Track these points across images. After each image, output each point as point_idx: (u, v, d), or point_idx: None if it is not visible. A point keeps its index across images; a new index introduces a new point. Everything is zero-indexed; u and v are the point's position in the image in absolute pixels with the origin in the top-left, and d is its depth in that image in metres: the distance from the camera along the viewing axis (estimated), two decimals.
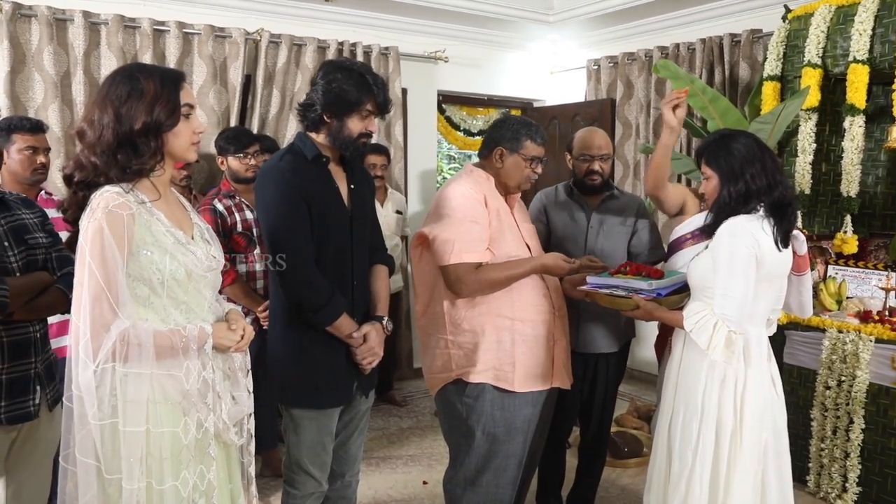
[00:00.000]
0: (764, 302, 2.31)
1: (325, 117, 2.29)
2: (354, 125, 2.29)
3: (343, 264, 2.37)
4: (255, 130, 4.48)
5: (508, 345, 2.54)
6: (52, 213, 2.95)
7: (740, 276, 2.19)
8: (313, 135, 2.34)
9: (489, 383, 2.53)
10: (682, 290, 2.48)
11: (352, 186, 2.42)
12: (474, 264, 2.47)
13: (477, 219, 2.49)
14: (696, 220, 2.82)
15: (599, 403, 3.19)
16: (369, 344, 2.37)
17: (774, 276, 2.29)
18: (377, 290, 2.52)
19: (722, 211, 2.29)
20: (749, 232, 2.20)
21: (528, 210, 2.96)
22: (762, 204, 2.25)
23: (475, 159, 2.84)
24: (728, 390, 2.26)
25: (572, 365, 2.98)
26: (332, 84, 2.26)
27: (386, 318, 2.48)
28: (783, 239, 2.25)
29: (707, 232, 2.35)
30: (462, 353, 2.55)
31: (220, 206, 3.49)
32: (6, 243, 2.13)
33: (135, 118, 1.68)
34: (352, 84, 2.26)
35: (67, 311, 1.96)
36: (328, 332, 2.31)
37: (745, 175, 2.25)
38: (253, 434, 1.98)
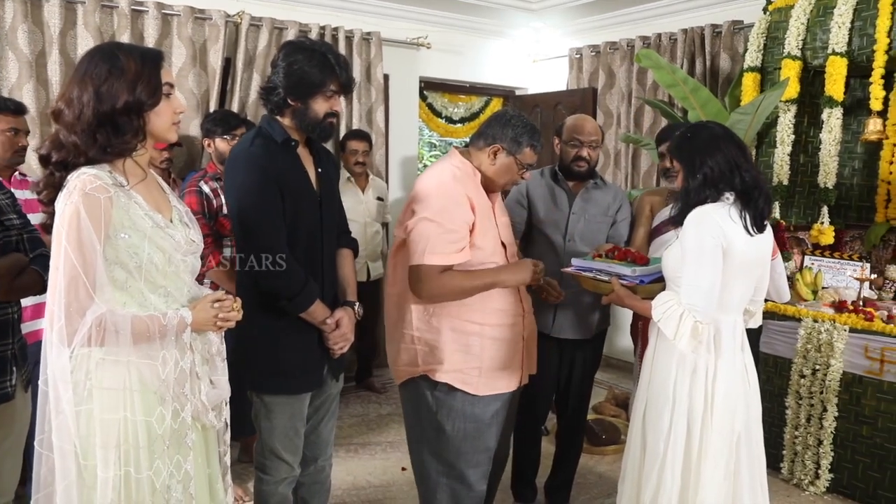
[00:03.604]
0: (739, 290, 2.30)
1: (288, 100, 2.26)
2: (319, 106, 2.26)
3: (314, 249, 2.35)
4: None
5: (477, 349, 2.45)
6: (27, 195, 2.92)
7: (707, 267, 2.17)
8: (279, 118, 2.30)
9: (454, 385, 2.45)
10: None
11: (319, 170, 2.40)
12: (439, 267, 2.33)
13: (453, 220, 2.35)
14: (666, 212, 2.98)
15: (576, 390, 3.21)
16: (342, 329, 2.36)
17: (749, 263, 2.27)
18: (346, 275, 2.51)
19: (685, 201, 2.29)
20: (714, 221, 2.18)
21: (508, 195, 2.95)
22: (731, 191, 2.24)
23: (455, 145, 2.80)
24: (698, 381, 2.26)
25: (547, 351, 3.02)
26: (293, 66, 2.22)
27: (357, 304, 2.48)
28: (754, 223, 2.23)
29: (675, 222, 2.34)
30: (428, 350, 2.45)
31: (206, 189, 3.45)
32: None
33: (116, 97, 1.65)
34: (314, 65, 2.22)
35: (43, 291, 1.93)
36: (299, 317, 2.30)
37: (704, 165, 2.24)
38: (229, 423, 1.97)
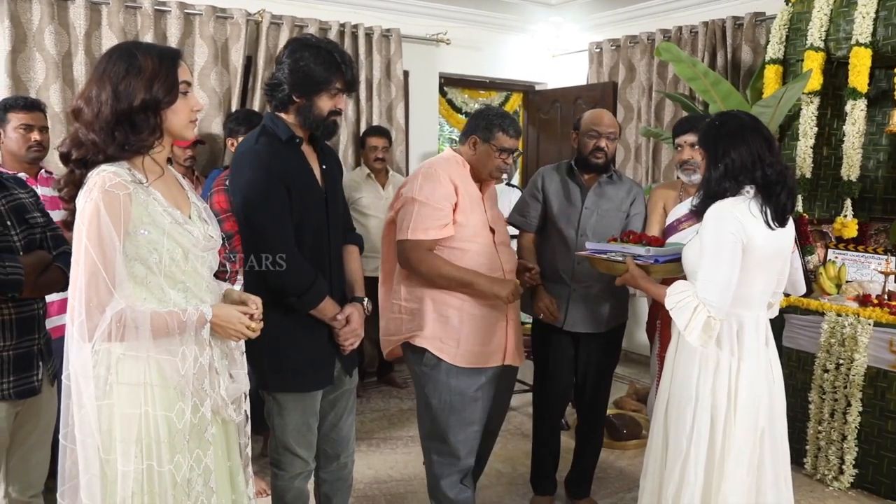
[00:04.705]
0: (760, 285, 2.27)
1: (293, 97, 2.26)
2: (324, 104, 2.27)
3: (320, 246, 2.36)
4: None
5: (456, 322, 2.62)
6: (51, 192, 2.97)
7: (724, 262, 2.15)
8: (283, 115, 2.31)
9: (432, 351, 2.62)
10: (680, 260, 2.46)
11: (323, 167, 2.41)
12: (425, 242, 2.57)
13: (436, 199, 2.57)
14: (683, 207, 2.98)
15: (593, 384, 3.22)
16: (352, 325, 2.38)
17: (769, 257, 2.24)
18: (352, 271, 2.53)
19: (706, 191, 2.27)
20: (734, 216, 2.16)
21: (526, 185, 3.03)
22: (751, 184, 2.21)
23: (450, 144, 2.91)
24: (721, 377, 2.23)
25: (561, 345, 3.13)
26: (299, 63, 2.22)
27: (366, 299, 2.50)
28: (775, 218, 2.20)
29: (697, 213, 2.32)
30: (410, 318, 2.67)
31: None
32: (8, 222, 2.15)
33: (133, 95, 1.67)
34: (320, 63, 2.23)
35: (66, 288, 1.98)
36: (309, 314, 2.31)
37: (726, 157, 2.21)
38: (249, 416, 1.99)
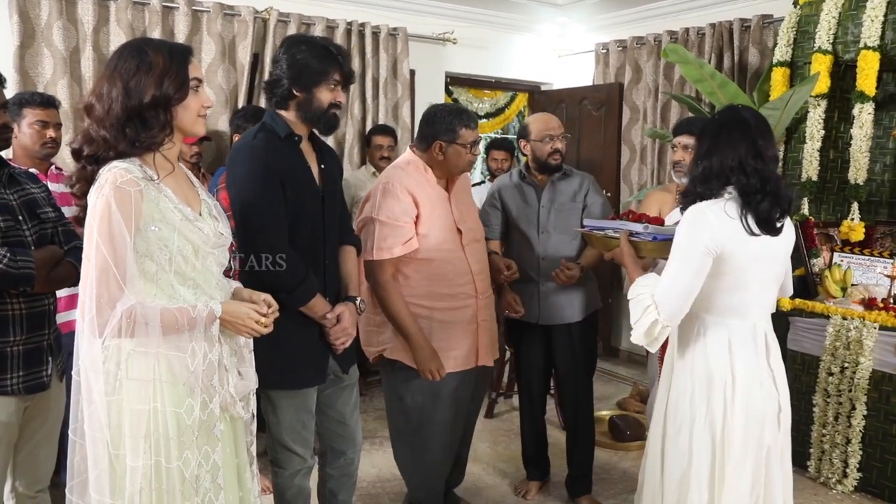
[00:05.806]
0: (755, 291, 2.13)
1: (293, 91, 2.26)
2: (324, 96, 2.27)
3: (316, 244, 2.36)
4: None
5: (425, 331, 2.67)
6: (62, 188, 2.98)
7: (688, 271, 2.05)
8: (283, 113, 2.31)
9: (405, 362, 2.70)
10: None
11: (322, 166, 2.41)
12: (391, 262, 2.63)
13: (395, 217, 2.61)
14: (676, 213, 2.87)
15: (571, 379, 3.26)
16: (343, 324, 2.37)
17: (759, 262, 2.10)
18: (348, 271, 2.52)
19: (687, 189, 2.18)
20: (708, 222, 2.04)
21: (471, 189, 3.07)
22: (731, 187, 2.09)
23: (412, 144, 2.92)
24: (716, 391, 2.10)
25: (532, 339, 3.25)
26: (296, 57, 2.24)
27: (359, 299, 2.50)
28: (759, 224, 2.06)
29: (683, 210, 2.21)
30: (382, 330, 2.75)
31: None
32: (20, 217, 2.15)
33: (144, 91, 1.68)
34: (316, 55, 2.25)
35: (77, 283, 1.99)
36: (300, 312, 2.30)
37: (708, 157, 2.11)
38: (255, 414, 2.00)
